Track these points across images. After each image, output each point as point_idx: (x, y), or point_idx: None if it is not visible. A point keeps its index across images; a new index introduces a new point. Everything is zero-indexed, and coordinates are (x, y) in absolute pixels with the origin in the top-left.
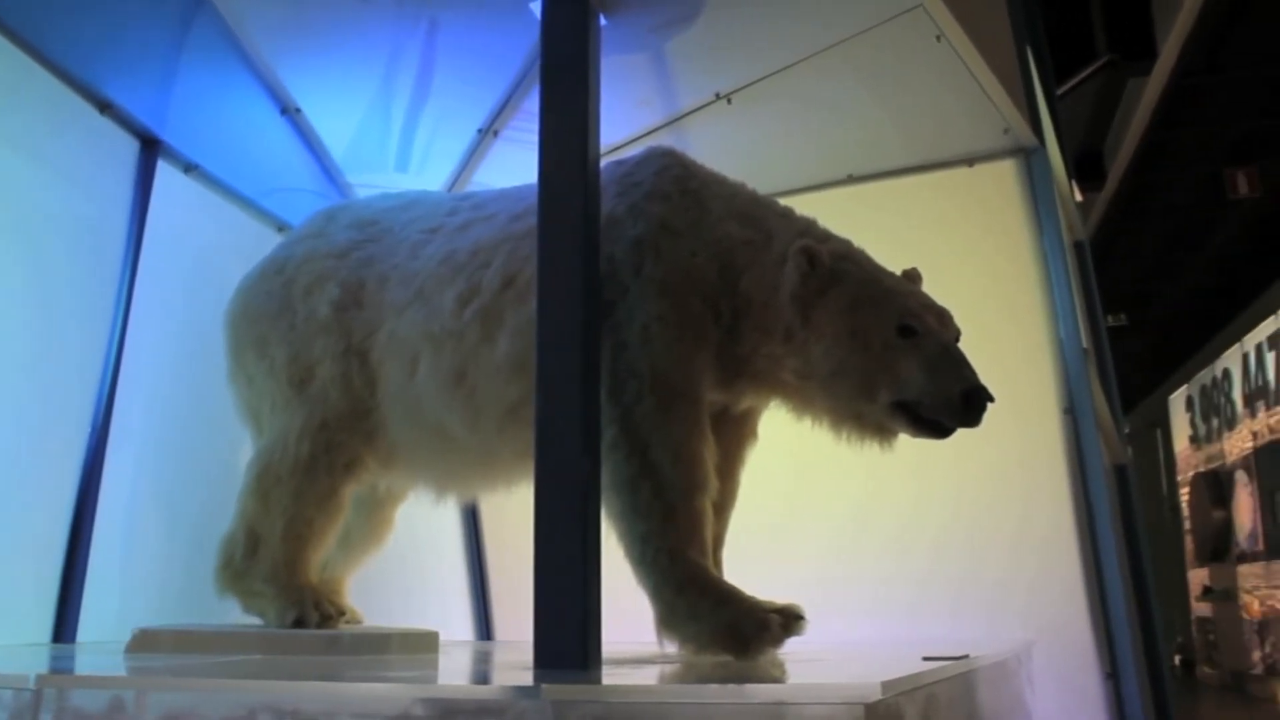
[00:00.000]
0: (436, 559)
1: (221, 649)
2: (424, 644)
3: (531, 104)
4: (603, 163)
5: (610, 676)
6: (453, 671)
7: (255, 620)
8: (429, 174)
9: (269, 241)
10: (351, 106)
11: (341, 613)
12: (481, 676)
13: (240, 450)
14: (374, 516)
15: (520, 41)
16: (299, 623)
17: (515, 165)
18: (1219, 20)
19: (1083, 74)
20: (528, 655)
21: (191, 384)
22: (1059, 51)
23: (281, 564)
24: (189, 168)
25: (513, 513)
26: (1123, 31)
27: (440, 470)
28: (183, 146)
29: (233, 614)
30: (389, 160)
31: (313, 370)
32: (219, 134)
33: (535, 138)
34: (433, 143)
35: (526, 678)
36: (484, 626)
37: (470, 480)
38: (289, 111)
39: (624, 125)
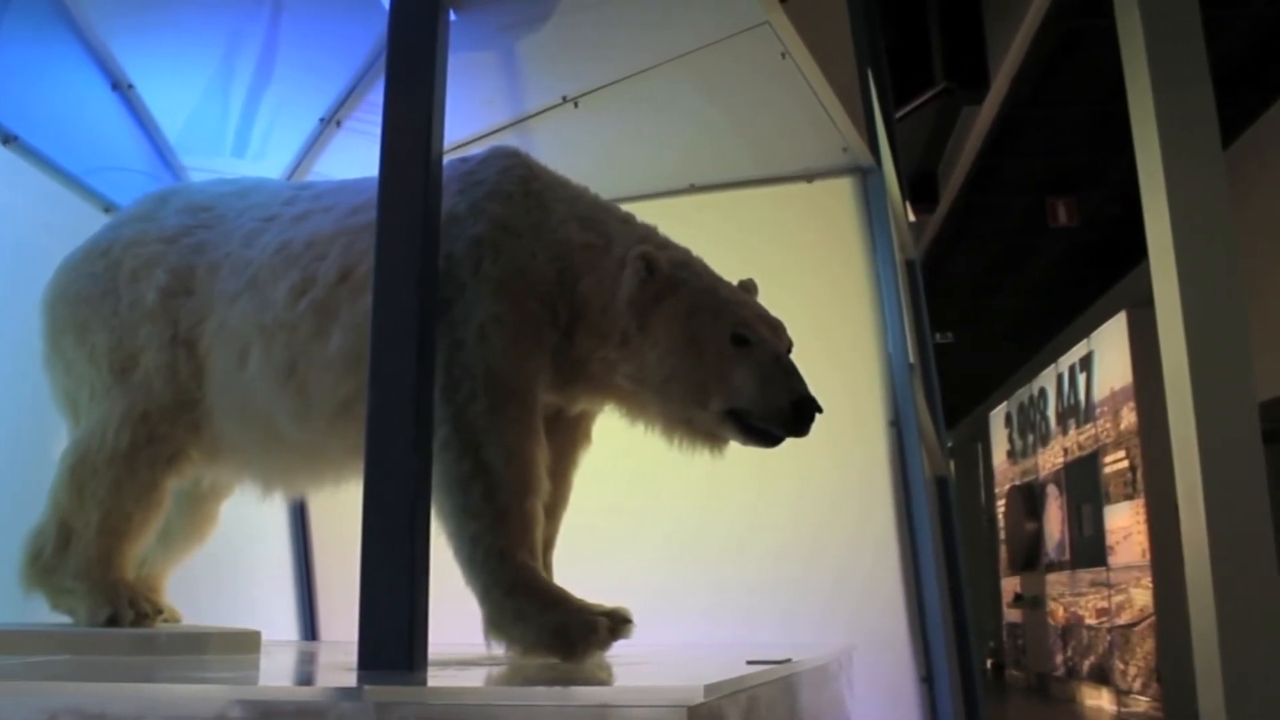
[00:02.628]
0: (261, 556)
1: (25, 649)
2: (245, 644)
3: (376, 96)
4: (445, 159)
5: (436, 678)
6: (274, 672)
7: (65, 619)
8: (268, 161)
9: (94, 222)
10: (188, 86)
11: (158, 611)
12: (303, 677)
13: (54, 440)
14: (197, 511)
15: (367, 31)
16: (112, 621)
17: (357, 157)
18: (1046, 57)
19: (920, 99)
20: (353, 656)
21: (2, 368)
22: (899, 76)
23: (95, 559)
24: (8, 139)
25: (342, 510)
26: (958, 61)
27: (268, 465)
28: (1, 116)
29: (40, 612)
30: (226, 144)
31: (136, 358)
32: (43, 105)
33: (378, 130)
34: (273, 129)
35: (350, 679)
36: (309, 626)
37: (298, 476)
38: (120, 87)
39: (469, 123)
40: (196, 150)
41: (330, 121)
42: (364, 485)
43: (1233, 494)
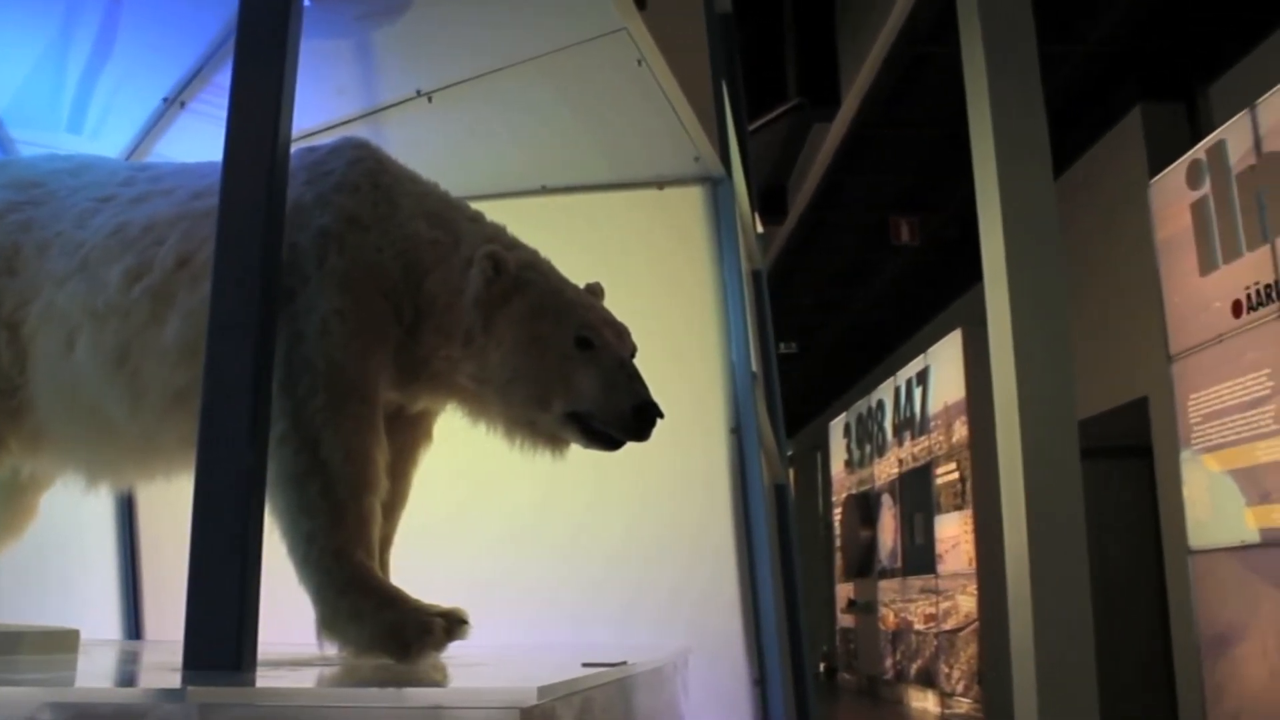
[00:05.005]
0: (84, 551)
1: None
2: (61, 643)
3: (223, 78)
4: (293, 148)
5: (265, 678)
6: (92, 673)
7: None
8: (106, 139)
9: None
10: (21, 55)
11: None
12: (124, 678)
13: None
14: (14, 504)
15: (216, 10)
16: None
17: (201, 140)
18: (895, 79)
19: (773, 113)
20: (178, 656)
21: None
22: (754, 90)
23: None
24: None
25: (172, 504)
26: (812, 78)
27: (94, 456)
28: None
29: None
30: (60, 119)
31: None
32: None
33: (224, 114)
34: (112, 106)
35: (174, 679)
36: (134, 625)
37: (127, 468)
38: None
39: (319, 111)
40: (27, 123)
41: (174, 102)
42: (195, 479)
43: (1052, 506)
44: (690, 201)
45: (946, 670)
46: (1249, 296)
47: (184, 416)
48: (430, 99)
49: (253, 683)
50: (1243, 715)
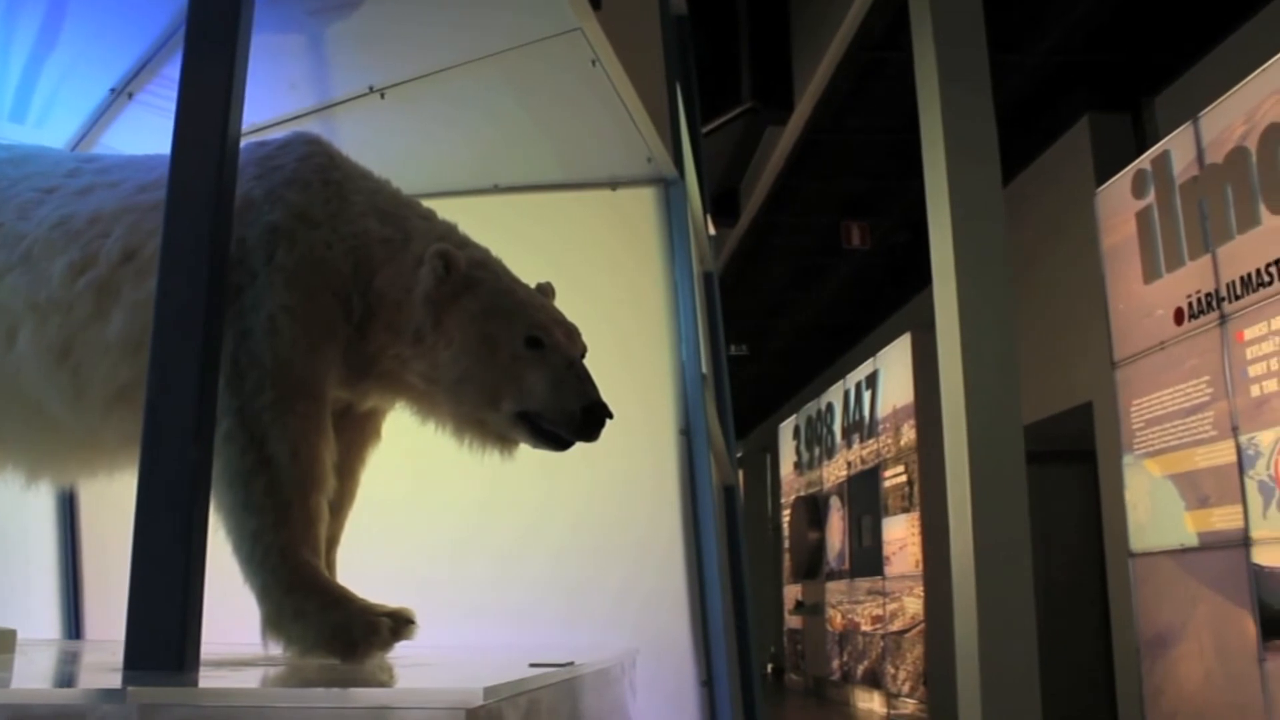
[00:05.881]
0: (22, 548)
1: None
2: None
3: (173, 70)
4: (243, 142)
5: (208, 679)
6: (29, 673)
7: None
8: (51, 129)
9: None
10: None
11: None
12: (62, 678)
13: None
14: None
15: (166, 1)
16: None
17: (149, 132)
18: (848, 85)
19: (727, 116)
20: (119, 656)
21: None
22: (708, 93)
23: None
24: None
25: (115, 501)
26: (765, 82)
27: (35, 452)
28: None
29: None
30: (3, 108)
31: None
32: None
33: (174, 106)
34: (57, 95)
35: (114, 679)
36: (74, 624)
37: (68, 464)
38: None
39: (270, 106)
40: None
41: (121, 92)
42: (139, 476)
43: (997, 509)
44: (643, 202)
45: (892, 671)
46: (1190, 305)
47: (128, 413)
48: (383, 95)
49: (195, 683)
50: (1179, 715)
